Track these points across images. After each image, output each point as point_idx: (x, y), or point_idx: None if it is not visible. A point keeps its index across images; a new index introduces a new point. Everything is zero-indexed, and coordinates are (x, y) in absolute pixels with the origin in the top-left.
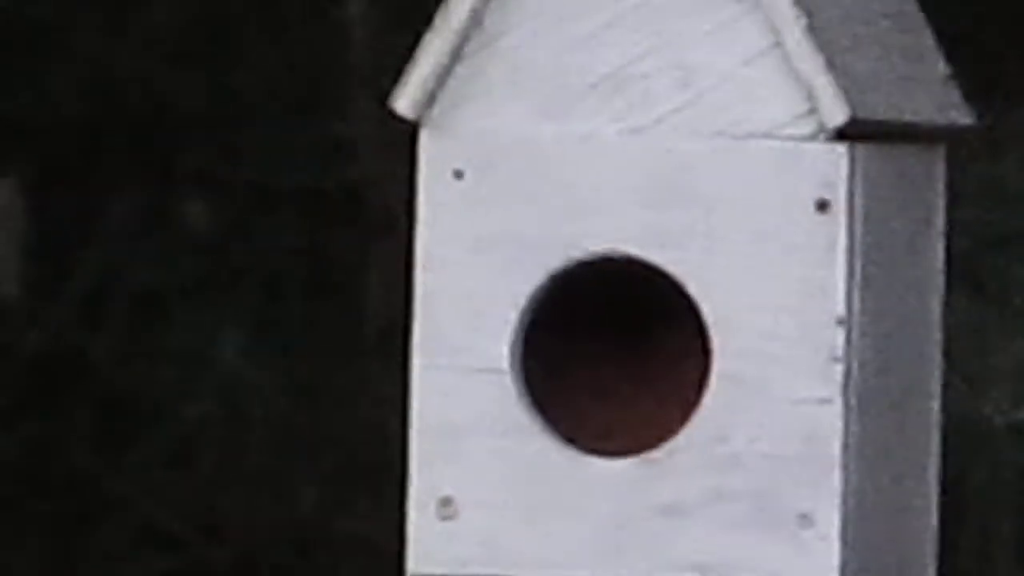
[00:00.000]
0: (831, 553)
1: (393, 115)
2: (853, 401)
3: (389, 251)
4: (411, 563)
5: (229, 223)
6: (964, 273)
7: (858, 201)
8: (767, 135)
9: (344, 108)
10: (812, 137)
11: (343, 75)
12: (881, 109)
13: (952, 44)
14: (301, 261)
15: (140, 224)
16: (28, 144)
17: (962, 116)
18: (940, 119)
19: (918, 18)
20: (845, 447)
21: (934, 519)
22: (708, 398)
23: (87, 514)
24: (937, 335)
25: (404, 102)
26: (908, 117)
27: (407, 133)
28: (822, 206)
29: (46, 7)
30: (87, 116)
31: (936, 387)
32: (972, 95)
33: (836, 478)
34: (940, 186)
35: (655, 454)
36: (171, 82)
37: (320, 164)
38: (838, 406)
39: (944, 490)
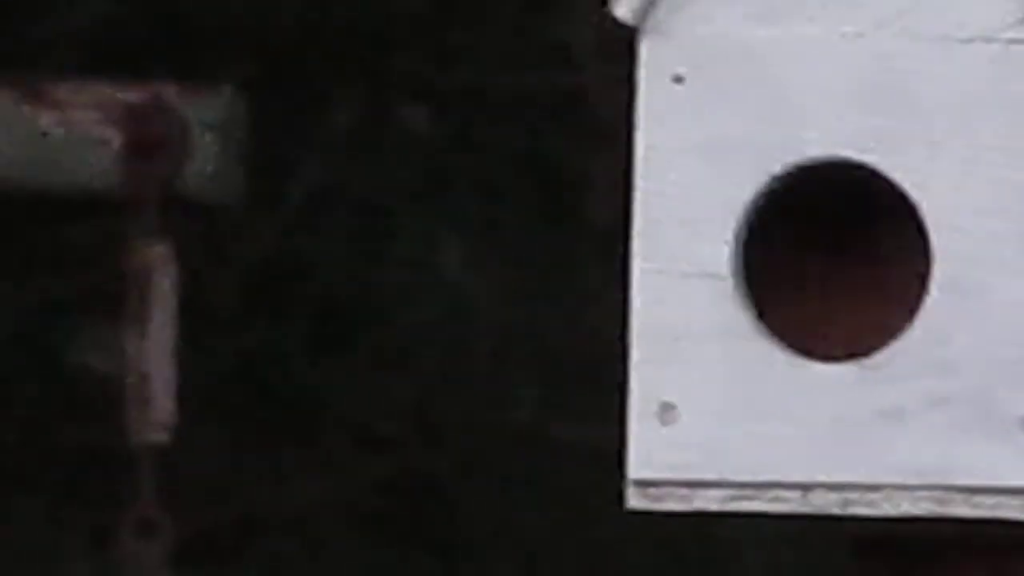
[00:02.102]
0: None
1: (613, 21)
2: None
3: (609, 157)
4: (632, 469)
5: (449, 129)
6: None
7: None
8: (987, 39)
9: (565, 14)
10: None
11: None
12: None
13: None
14: (521, 167)
15: (360, 131)
16: (247, 52)
17: None
18: None
19: None
20: None
21: None
22: (929, 302)
23: (306, 421)
24: None
25: (624, 8)
26: None
27: (626, 39)
28: None
29: None
30: (304, 22)
31: None
32: None
33: None
34: None
35: (875, 358)
36: None
37: (540, 69)
38: None
39: None
